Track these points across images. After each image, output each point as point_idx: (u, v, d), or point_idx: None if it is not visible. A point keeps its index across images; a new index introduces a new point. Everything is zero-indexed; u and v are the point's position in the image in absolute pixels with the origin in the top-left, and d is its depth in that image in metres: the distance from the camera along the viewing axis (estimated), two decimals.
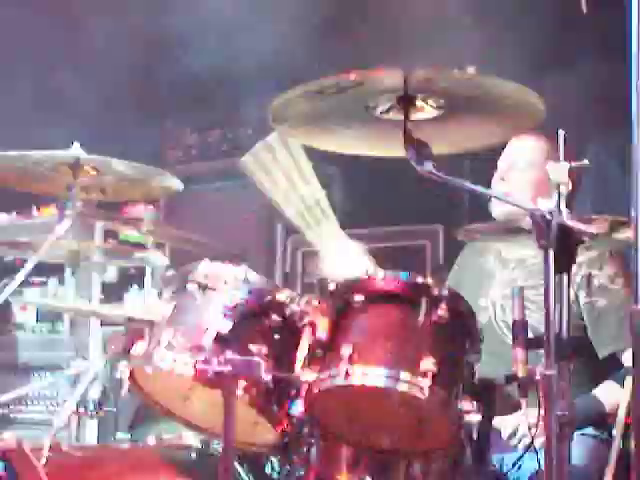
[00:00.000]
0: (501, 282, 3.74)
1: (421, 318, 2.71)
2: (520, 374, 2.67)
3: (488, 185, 3.69)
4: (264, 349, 2.76)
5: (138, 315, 3.35)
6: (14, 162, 3.52)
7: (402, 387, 2.62)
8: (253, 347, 2.76)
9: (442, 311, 2.71)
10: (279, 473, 3.15)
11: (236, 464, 3.10)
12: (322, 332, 2.78)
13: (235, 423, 2.66)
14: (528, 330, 2.74)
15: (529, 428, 2.94)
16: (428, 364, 2.62)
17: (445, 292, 2.76)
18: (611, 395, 3.42)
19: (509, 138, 3.57)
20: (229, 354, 2.69)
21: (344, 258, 3.52)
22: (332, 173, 6.01)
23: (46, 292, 5.31)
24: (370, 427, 2.81)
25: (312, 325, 2.82)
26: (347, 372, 2.64)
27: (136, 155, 3.60)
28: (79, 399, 3.33)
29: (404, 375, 2.62)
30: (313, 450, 2.86)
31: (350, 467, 2.87)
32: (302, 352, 2.80)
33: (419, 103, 2.83)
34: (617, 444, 3.29)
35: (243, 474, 3.17)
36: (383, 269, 2.87)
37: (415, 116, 2.84)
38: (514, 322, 2.75)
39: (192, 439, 3.26)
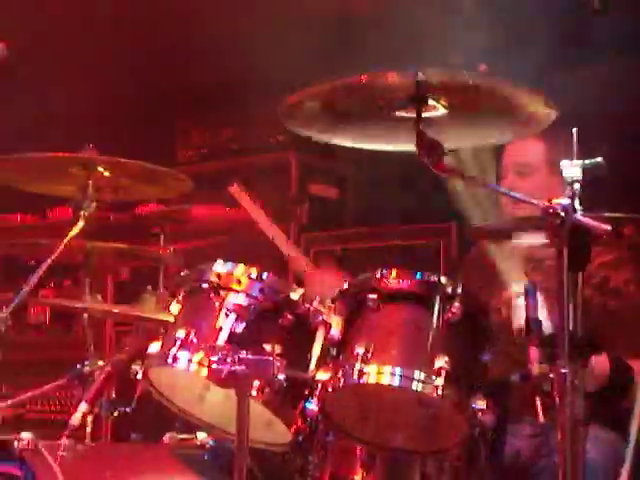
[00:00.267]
0: (516, 281, 3.73)
1: (435, 317, 2.71)
2: (534, 372, 2.66)
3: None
4: (278, 348, 2.77)
5: (152, 315, 3.36)
6: (28, 164, 3.53)
7: (416, 386, 2.63)
8: (267, 346, 2.76)
9: (456, 310, 2.71)
10: (293, 473, 3.14)
11: (250, 463, 3.10)
12: (336, 331, 2.79)
13: (249, 422, 2.67)
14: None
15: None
16: (442, 363, 2.62)
17: (459, 290, 2.75)
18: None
19: (522, 136, 3.56)
20: (243, 354, 2.69)
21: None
22: (346, 172, 6.02)
23: (61, 292, 5.34)
24: (384, 426, 2.82)
25: (326, 324, 2.82)
26: (361, 371, 2.64)
27: (148, 155, 3.61)
28: (94, 399, 3.33)
29: (418, 374, 2.63)
30: (327, 449, 2.86)
31: (364, 466, 2.87)
32: (316, 351, 2.80)
33: (431, 102, 2.83)
34: (633, 441, 3.27)
35: (257, 473, 3.17)
36: (396, 267, 2.86)
37: (428, 114, 2.84)
38: (528, 320, 2.74)
39: (206, 438, 3.26)
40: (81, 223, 3.48)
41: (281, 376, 2.72)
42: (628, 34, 4.32)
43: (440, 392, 2.60)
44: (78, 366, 3.54)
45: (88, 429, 3.54)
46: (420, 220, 5.48)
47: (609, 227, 2.63)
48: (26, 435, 3.08)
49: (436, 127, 2.81)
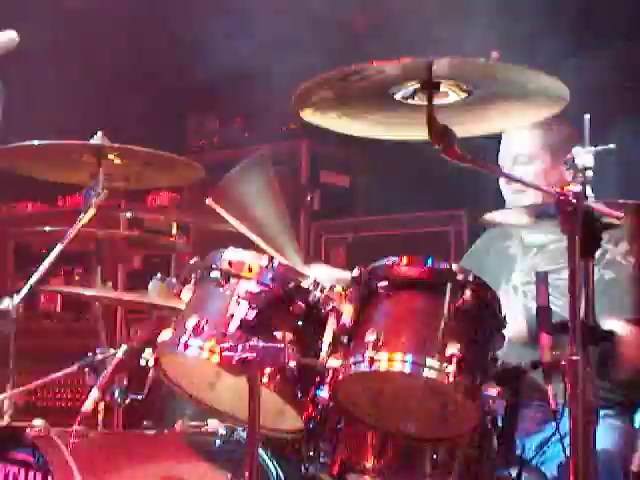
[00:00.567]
0: (523, 268, 3.73)
1: (446, 304, 2.70)
2: (545, 360, 2.66)
3: None
4: (289, 336, 2.77)
5: (163, 303, 3.36)
6: (39, 151, 3.54)
7: (427, 373, 2.62)
8: (278, 334, 2.76)
9: (467, 296, 2.71)
10: (304, 460, 3.14)
11: (261, 451, 3.11)
12: (347, 318, 2.78)
13: (260, 410, 2.67)
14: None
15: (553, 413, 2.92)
16: (453, 350, 2.62)
17: (470, 277, 2.75)
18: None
19: (534, 120, 3.56)
20: (254, 341, 2.69)
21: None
22: (357, 160, 6.02)
23: (72, 280, 5.35)
24: (395, 413, 2.82)
25: (336, 311, 2.82)
26: (372, 358, 2.64)
27: (160, 144, 3.60)
28: (105, 386, 3.33)
29: (429, 361, 2.62)
30: (338, 436, 2.86)
31: (376, 453, 2.87)
32: (327, 339, 2.80)
33: (443, 88, 2.82)
34: None
35: (268, 461, 3.17)
36: (407, 255, 2.86)
37: (439, 101, 2.83)
38: (539, 307, 2.74)
39: (217, 425, 3.27)
40: (92, 211, 3.48)
41: (292, 363, 2.72)
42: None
43: (452, 379, 2.60)
44: (89, 354, 3.55)
45: (100, 417, 3.56)
46: (431, 207, 5.49)
47: (622, 214, 2.63)
48: (38, 422, 3.09)
49: (448, 114, 2.80)
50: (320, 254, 5.66)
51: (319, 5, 5.11)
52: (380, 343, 2.65)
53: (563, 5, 4.65)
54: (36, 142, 3.45)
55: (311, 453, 2.95)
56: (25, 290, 3.38)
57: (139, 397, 3.51)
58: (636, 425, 3.42)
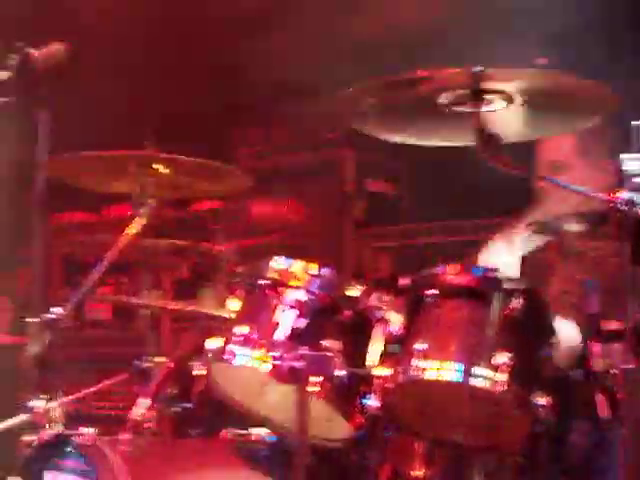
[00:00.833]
0: (560, 276, 3.70)
1: (495, 312, 2.69)
2: (596, 368, 2.64)
3: None
4: (337, 344, 2.77)
5: (212, 311, 3.37)
6: (88, 162, 3.56)
7: (477, 382, 2.61)
8: (326, 342, 2.76)
9: (516, 305, 2.69)
10: (351, 468, 3.14)
11: (310, 459, 3.10)
12: (395, 327, 2.78)
13: (309, 418, 2.67)
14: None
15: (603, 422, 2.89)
16: (502, 358, 2.60)
17: (518, 285, 2.73)
18: None
19: (581, 127, 3.53)
20: (303, 350, 2.70)
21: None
22: (399, 167, 6.00)
23: (119, 290, 5.38)
24: (444, 422, 2.80)
25: (384, 320, 2.82)
26: (421, 367, 2.63)
27: (206, 153, 3.62)
28: (155, 395, 3.35)
29: (479, 370, 2.61)
30: (386, 445, 2.86)
31: (424, 462, 2.86)
32: (374, 347, 2.80)
33: (489, 96, 2.81)
34: None
35: (316, 469, 3.17)
36: (455, 263, 2.85)
37: (486, 108, 2.82)
38: (589, 316, 2.72)
39: (265, 434, 3.27)
40: (140, 220, 3.50)
41: (340, 372, 2.72)
42: None
43: (501, 388, 2.58)
44: (138, 362, 3.56)
45: (148, 425, 3.57)
46: (477, 215, 5.46)
47: None
48: (87, 430, 3.10)
49: (495, 121, 2.79)
50: (366, 263, 5.65)
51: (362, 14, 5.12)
52: (429, 352, 2.64)
53: (611, 9, 4.61)
54: (85, 153, 3.47)
55: (358, 462, 2.94)
56: (74, 299, 3.40)
57: (187, 405, 3.52)
58: None
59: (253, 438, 3.29)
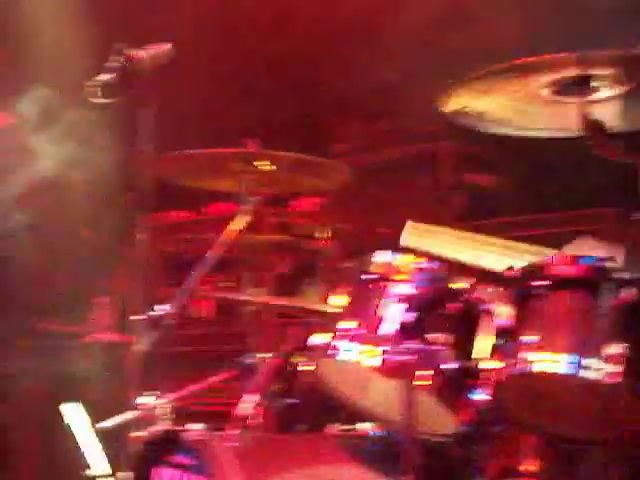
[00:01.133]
0: None
1: (606, 302, 2.64)
2: None
3: None
4: (444, 338, 2.75)
5: (315, 307, 3.38)
6: (192, 161, 3.60)
7: (589, 374, 2.56)
8: (433, 336, 2.74)
9: (628, 295, 2.64)
10: (459, 463, 3.12)
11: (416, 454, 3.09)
12: (502, 319, 2.75)
13: (416, 413, 2.66)
14: None
15: None
16: (615, 349, 2.55)
17: (628, 275, 2.68)
18: None
19: None
20: (411, 344, 2.68)
21: None
22: (498, 159, 5.94)
23: (220, 287, 5.42)
24: (555, 415, 2.76)
25: (491, 312, 2.79)
26: (531, 360, 2.60)
27: (303, 148, 3.63)
28: (261, 391, 3.37)
29: (591, 362, 2.56)
30: (495, 439, 2.83)
31: (534, 456, 2.83)
32: (482, 340, 2.77)
33: (595, 83, 2.76)
34: None
35: (423, 464, 3.15)
36: (562, 254, 2.81)
37: (591, 97, 2.78)
38: None
39: (371, 429, 3.26)
40: (242, 217, 3.52)
41: (448, 365, 2.70)
42: None
43: (614, 380, 2.54)
44: (243, 358, 3.58)
45: (254, 420, 3.59)
46: (578, 206, 5.39)
47: None
48: (195, 426, 3.13)
49: (602, 109, 2.75)
50: None
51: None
52: (539, 344, 2.61)
53: None
54: (188, 151, 3.51)
55: (465, 456, 2.92)
56: (179, 297, 3.44)
57: (292, 401, 3.53)
58: None
59: (359, 433, 3.29)
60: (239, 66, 5.71)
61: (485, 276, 3.13)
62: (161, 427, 3.25)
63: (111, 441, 3.75)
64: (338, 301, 2.99)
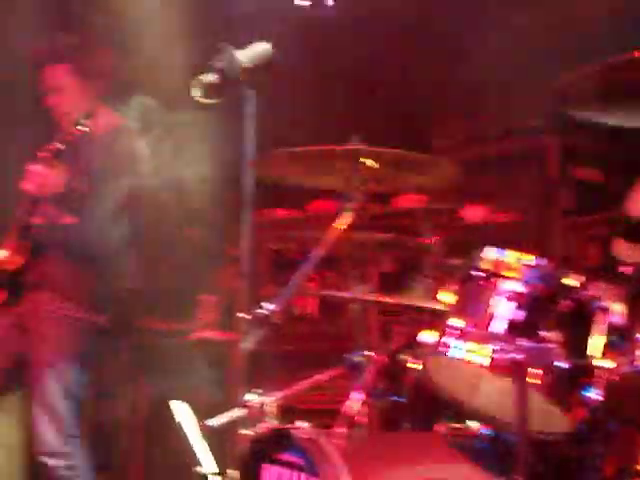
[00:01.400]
0: None
1: None
2: None
3: None
4: (556, 335, 2.70)
5: (422, 304, 3.35)
6: (296, 159, 3.60)
7: None
8: (546, 333, 2.69)
9: None
10: (572, 462, 3.06)
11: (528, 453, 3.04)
12: (617, 317, 2.69)
13: (528, 411, 2.62)
14: None
15: None
16: None
17: None
18: None
19: None
20: (522, 341, 2.64)
21: None
22: (606, 153, 5.83)
23: (325, 284, 5.42)
24: None
25: (604, 310, 2.73)
26: None
27: (404, 145, 3.60)
28: (368, 389, 3.36)
29: None
30: (611, 439, 2.77)
31: None
32: (596, 338, 2.71)
33: None
34: None
35: (536, 463, 3.10)
36: None
37: None
38: None
39: (480, 427, 3.22)
40: (347, 215, 3.51)
41: (560, 363, 2.65)
42: None
43: None
44: (350, 356, 3.57)
45: (361, 418, 3.57)
46: None
47: None
48: (302, 424, 3.13)
49: None
50: (574, 252, 5.51)
51: None
52: None
53: None
54: (293, 149, 3.51)
55: (579, 456, 2.86)
56: (285, 295, 3.44)
57: (399, 399, 3.51)
58: None
59: (469, 432, 3.25)
60: (342, 64, 5.71)
61: (598, 274, 3.06)
62: (269, 425, 3.25)
63: (219, 439, 3.77)
64: (447, 298, 2.96)
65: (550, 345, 2.66)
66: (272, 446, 3.11)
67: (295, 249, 5.27)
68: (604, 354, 2.68)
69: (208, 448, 3.91)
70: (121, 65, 4.73)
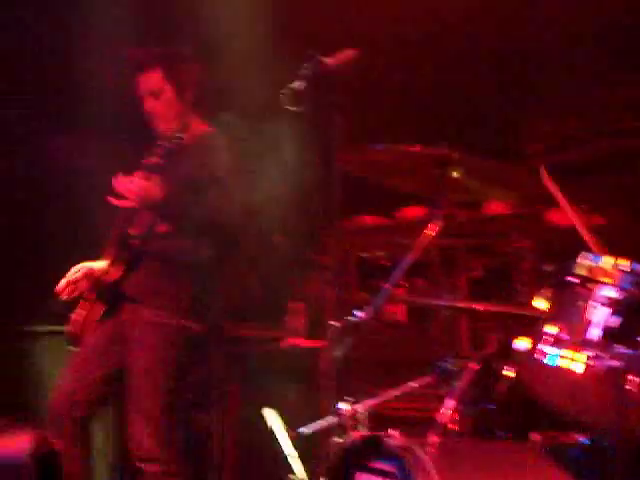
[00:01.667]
0: None
1: None
2: None
3: None
4: None
5: (517, 311, 3.31)
6: (385, 163, 3.59)
7: None
8: None
9: None
10: None
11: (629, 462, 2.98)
12: None
13: (627, 419, 2.56)
14: None
15: None
16: None
17: None
18: None
19: None
20: (619, 348, 2.59)
21: None
22: None
23: (413, 291, 5.39)
24: None
25: None
26: None
27: (494, 149, 3.56)
28: (461, 396, 3.32)
29: None
30: None
31: None
32: None
33: None
34: None
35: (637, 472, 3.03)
36: None
37: None
38: None
39: (578, 436, 3.16)
40: (437, 221, 3.49)
41: None
42: None
43: None
44: (441, 363, 3.54)
45: (454, 426, 3.54)
46: None
47: None
48: (394, 432, 3.11)
49: None
50: None
51: None
52: None
53: None
54: (380, 150, 3.49)
55: None
56: (375, 302, 3.43)
57: (492, 406, 3.47)
58: None
59: (566, 441, 3.20)
60: (433, 67, 5.68)
61: None
62: (361, 433, 3.24)
63: (311, 447, 3.78)
64: (542, 305, 2.92)
65: None
66: (364, 454, 3.10)
67: (384, 256, 5.24)
68: None
69: (300, 456, 3.91)
70: (211, 75, 4.76)
